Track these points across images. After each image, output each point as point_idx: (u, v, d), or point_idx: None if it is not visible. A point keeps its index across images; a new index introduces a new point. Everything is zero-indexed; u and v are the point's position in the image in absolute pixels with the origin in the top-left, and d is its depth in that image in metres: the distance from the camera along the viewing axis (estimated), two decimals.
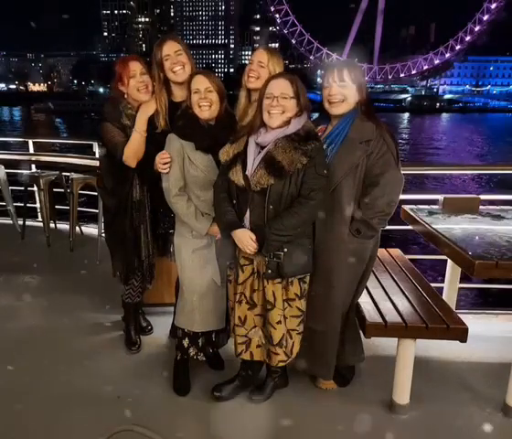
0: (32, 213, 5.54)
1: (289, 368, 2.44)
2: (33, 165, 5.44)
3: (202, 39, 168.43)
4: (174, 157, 2.26)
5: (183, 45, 2.54)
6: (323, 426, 2.26)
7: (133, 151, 2.46)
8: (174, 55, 2.47)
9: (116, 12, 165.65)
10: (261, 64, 2.46)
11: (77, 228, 4.95)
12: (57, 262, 4.43)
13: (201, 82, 2.26)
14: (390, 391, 2.34)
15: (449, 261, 3.08)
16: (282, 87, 2.04)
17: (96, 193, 4.31)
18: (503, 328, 3.22)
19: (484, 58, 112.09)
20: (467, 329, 2.15)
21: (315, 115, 2.34)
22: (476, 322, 3.17)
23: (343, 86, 2.13)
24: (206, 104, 2.24)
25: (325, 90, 2.20)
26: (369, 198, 2.13)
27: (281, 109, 2.02)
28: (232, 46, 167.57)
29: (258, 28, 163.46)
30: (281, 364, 2.25)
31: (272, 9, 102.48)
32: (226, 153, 2.14)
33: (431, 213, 2.91)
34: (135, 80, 2.52)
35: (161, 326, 3.12)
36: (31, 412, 2.30)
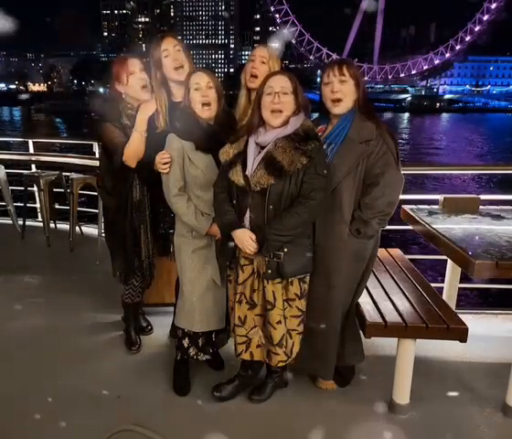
0: (32, 213, 5.55)
1: (289, 368, 2.44)
2: (33, 165, 5.45)
3: (202, 39, 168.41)
4: (174, 157, 2.26)
5: (181, 43, 2.53)
6: (323, 426, 2.25)
7: (133, 151, 2.46)
8: (172, 50, 2.46)
9: (116, 12, 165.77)
10: (262, 60, 2.46)
11: (77, 228, 4.95)
12: (57, 262, 4.43)
13: (202, 78, 2.25)
14: (390, 391, 2.34)
15: (449, 261, 3.08)
16: (282, 82, 2.04)
17: (96, 193, 4.31)
18: (503, 328, 3.22)
19: (484, 58, 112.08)
20: (467, 329, 2.15)
21: (315, 115, 2.34)
22: (476, 322, 3.17)
23: (343, 81, 2.14)
24: (206, 101, 2.24)
25: (325, 87, 2.20)
26: (369, 198, 2.13)
27: (280, 106, 2.02)
28: (232, 46, 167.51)
29: (258, 28, 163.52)
30: (281, 364, 2.25)
31: (272, 9, 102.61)
32: (226, 153, 2.14)
33: (431, 213, 2.91)
34: (135, 78, 2.50)
35: (161, 326, 3.12)
36: (31, 412, 2.30)
